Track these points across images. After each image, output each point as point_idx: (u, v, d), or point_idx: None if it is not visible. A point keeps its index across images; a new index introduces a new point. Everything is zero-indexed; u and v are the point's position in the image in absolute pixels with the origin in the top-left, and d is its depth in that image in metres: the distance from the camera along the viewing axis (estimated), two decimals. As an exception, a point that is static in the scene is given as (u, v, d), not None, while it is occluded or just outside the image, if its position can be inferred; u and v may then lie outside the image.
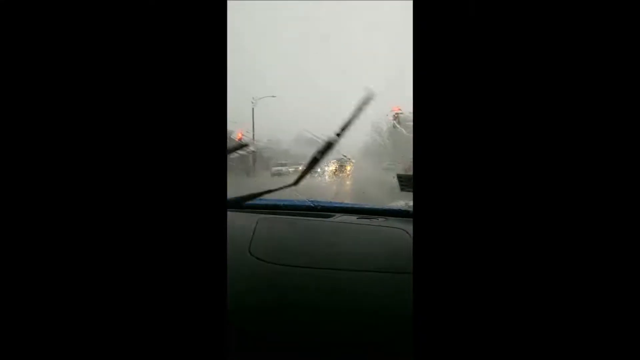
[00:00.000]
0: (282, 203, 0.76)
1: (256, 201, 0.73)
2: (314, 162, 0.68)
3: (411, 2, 0.28)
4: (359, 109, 0.65)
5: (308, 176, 0.73)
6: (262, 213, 0.69)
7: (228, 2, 0.30)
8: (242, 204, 0.70)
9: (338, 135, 0.67)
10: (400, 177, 0.72)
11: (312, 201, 0.76)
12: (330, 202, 0.76)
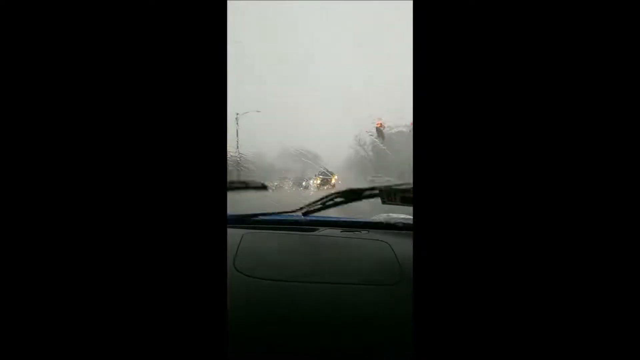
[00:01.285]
0: (266, 218, 0.76)
1: (241, 217, 0.74)
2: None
3: (411, 2, 0.28)
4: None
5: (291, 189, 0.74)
6: (247, 228, 0.68)
7: (228, 2, 0.30)
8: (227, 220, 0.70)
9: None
10: (380, 190, 0.74)
11: (295, 215, 0.77)
12: (315, 216, 0.76)
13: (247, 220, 0.73)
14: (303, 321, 0.44)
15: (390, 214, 0.78)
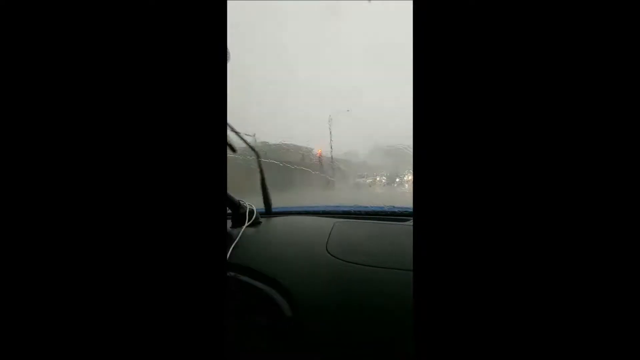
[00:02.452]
0: (355, 209, 0.85)
1: (286, 209, 0.89)
2: None
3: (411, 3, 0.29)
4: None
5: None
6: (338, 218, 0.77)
7: (228, 2, 0.31)
8: (268, 210, 0.87)
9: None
10: None
11: (384, 207, 0.83)
12: (401, 208, 0.79)
13: (336, 212, 0.83)
14: (386, 306, 0.48)
15: None
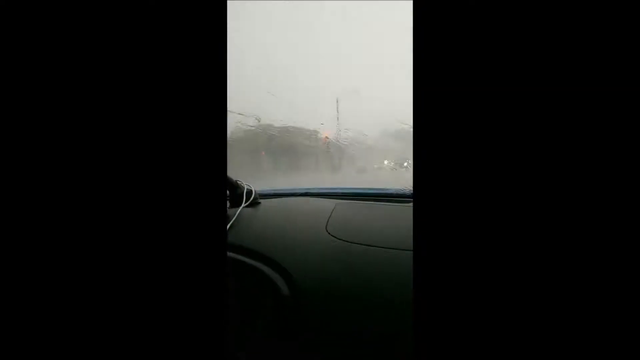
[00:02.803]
0: (355, 191, 0.88)
1: (291, 189, 0.90)
2: None
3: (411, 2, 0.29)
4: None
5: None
6: (340, 199, 0.80)
7: (228, 2, 0.31)
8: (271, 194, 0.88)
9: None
10: None
11: (390, 189, 0.86)
12: (405, 190, 0.83)
13: (337, 194, 0.81)
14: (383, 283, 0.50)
15: None
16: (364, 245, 0.57)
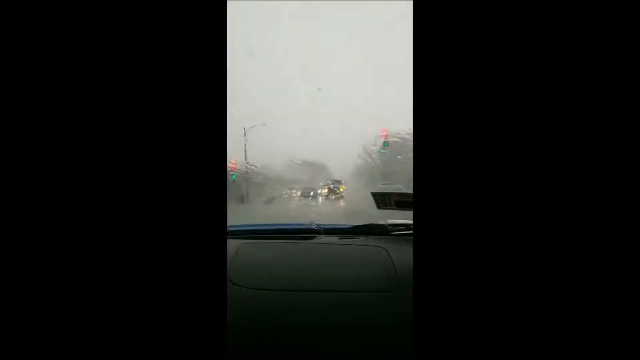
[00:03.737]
0: (262, 228, 0.77)
1: (236, 227, 0.75)
2: None
3: (411, 2, 0.28)
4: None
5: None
6: (243, 239, 0.69)
7: (228, 2, 0.30)
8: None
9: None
10: (374, 195, 0.73)
11: (294, 224, 0.78)
12: (311, 224, 0.76)
13: (245, 232, 0.74)
14: (297, 328, 0.45)
15: (389, 220, 0.78)
16: (269, 290, 0.50)
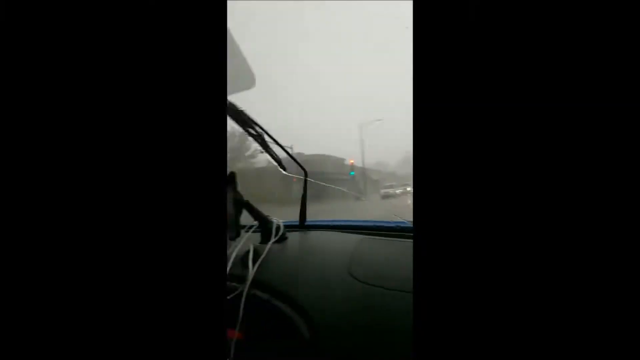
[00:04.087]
0: (343, 223, 0.81)
1: (318, 222, 0.83)
2: None
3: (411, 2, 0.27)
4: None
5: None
6: (362, 234, 0.73)
7: (228, 2, 0.29)
8: (302, 224, 0.84)
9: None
10: None
11: (373, 221, 0.79)
12: (399, 222, 0.75)
13: (314, 225, 0.79)
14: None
15: None
16: (387, 289, 0.49)
